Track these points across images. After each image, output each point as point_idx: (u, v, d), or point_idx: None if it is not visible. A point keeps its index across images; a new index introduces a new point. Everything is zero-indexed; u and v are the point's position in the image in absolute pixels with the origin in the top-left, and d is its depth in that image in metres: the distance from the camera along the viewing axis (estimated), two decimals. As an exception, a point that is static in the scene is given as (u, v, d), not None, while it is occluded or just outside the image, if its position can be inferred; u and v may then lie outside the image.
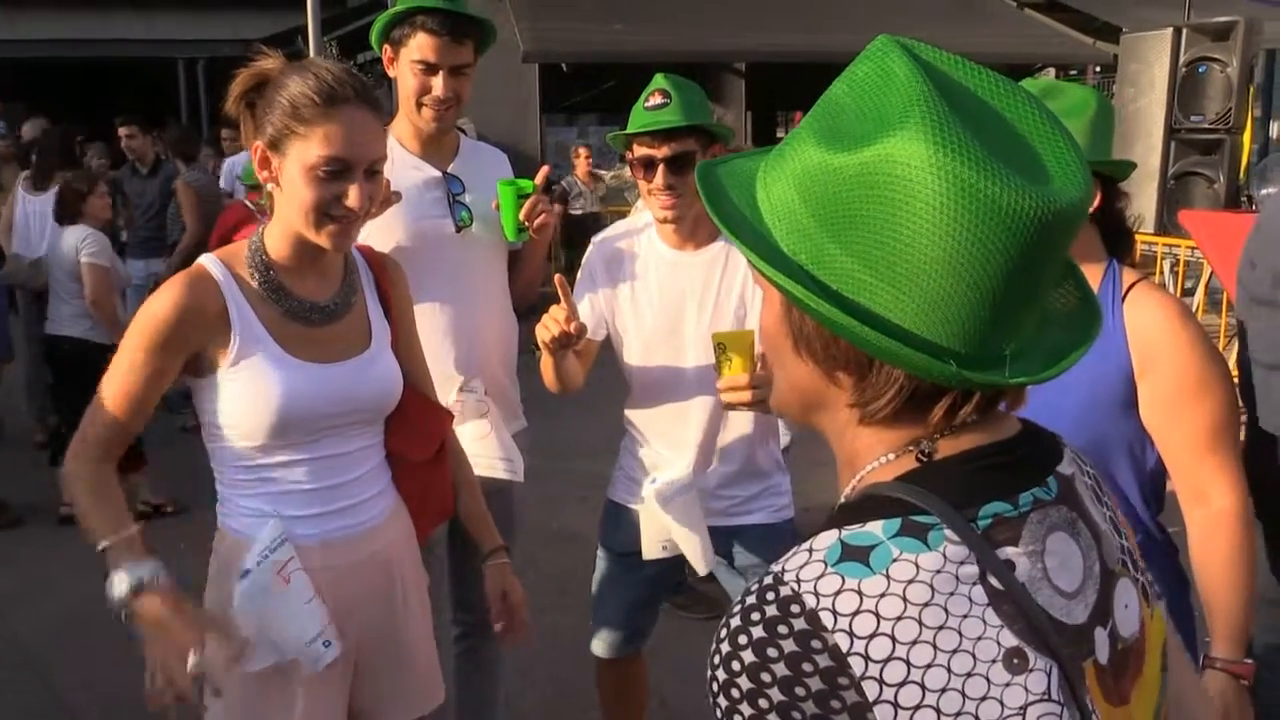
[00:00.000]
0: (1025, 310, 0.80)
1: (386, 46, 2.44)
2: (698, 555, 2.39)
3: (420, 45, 2.35)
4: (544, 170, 2.54)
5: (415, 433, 1.96)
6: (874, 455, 0.86)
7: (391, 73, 2.45)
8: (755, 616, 0.77)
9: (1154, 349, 1.77)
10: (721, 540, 2.43)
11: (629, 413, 2.54)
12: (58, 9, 16.12)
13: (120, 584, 1.62)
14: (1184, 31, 6.86)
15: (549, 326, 2.18)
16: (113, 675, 3.65)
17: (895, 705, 0.73)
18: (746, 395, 2.06)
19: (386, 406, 1.89)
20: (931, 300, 0.76)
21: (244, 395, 1.72)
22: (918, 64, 0.79)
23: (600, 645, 2.65)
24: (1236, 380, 1.89)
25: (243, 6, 15.52)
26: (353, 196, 1.67)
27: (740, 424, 2.40)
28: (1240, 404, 1.84)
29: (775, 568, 0.80)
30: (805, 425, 0.93)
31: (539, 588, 4.12)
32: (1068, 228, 0.77)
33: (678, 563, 2.57)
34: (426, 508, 2.01)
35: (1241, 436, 1.86)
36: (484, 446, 2.48)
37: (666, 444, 2.45)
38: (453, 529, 2.49)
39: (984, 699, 0.74)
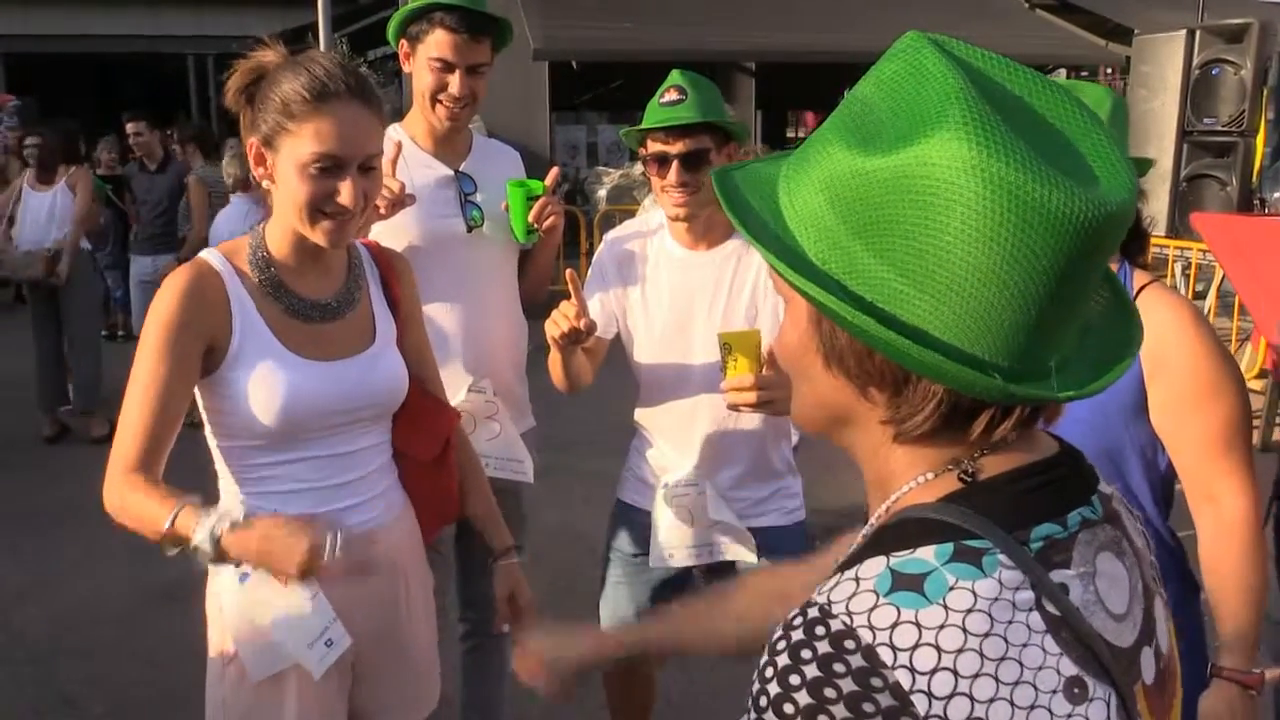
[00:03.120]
0: (1070, 319, 0.76)
1: (403, 42, 2.41)
2: (746, 552, 2.40)
3: (438, 43, 2.33)
4: (554, 171, 2.52)
5: (421, 431, 1.93)
6: (911, 475, 0.81)
7: (407, 68, 2.43)
8: (806, 654, 0.71)
9: (1165, 352, 1.75)
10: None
11: (638, 413, 2.52)
12: (68, 5, 16.17)
13: (202, 542, 1.52)
14: (1197, 33, 6.83)
15: (558, 322, 2.16)
16: (117, 670, 3.66)
17: None
18: (751, 396, 2.03)
19: (391, 405, 1.87)
20: (973, 310, 0.72)
21: (244, 393, 1.69)
22: (952, 60, 0.74)
23: (607, 646, 2.64)
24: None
25: (253, 2, 15.55)
26: (345, 194, 1.64)
27: (751, 425, 2.38)
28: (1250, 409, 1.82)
29: (819, 599, 0.74)
30: (832, 439, 0.88)
31: (544, 587, 4.08)
32: (1116, 230, 0.72)
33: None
34: (432, 508, 1.98)
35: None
36: (493, 447, 2.47)
37: (676, 444, 2.44)
38: (461, 527, 2.47)
39: None
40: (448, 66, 2.35)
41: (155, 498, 1.58)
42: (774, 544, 2.43)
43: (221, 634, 1.77)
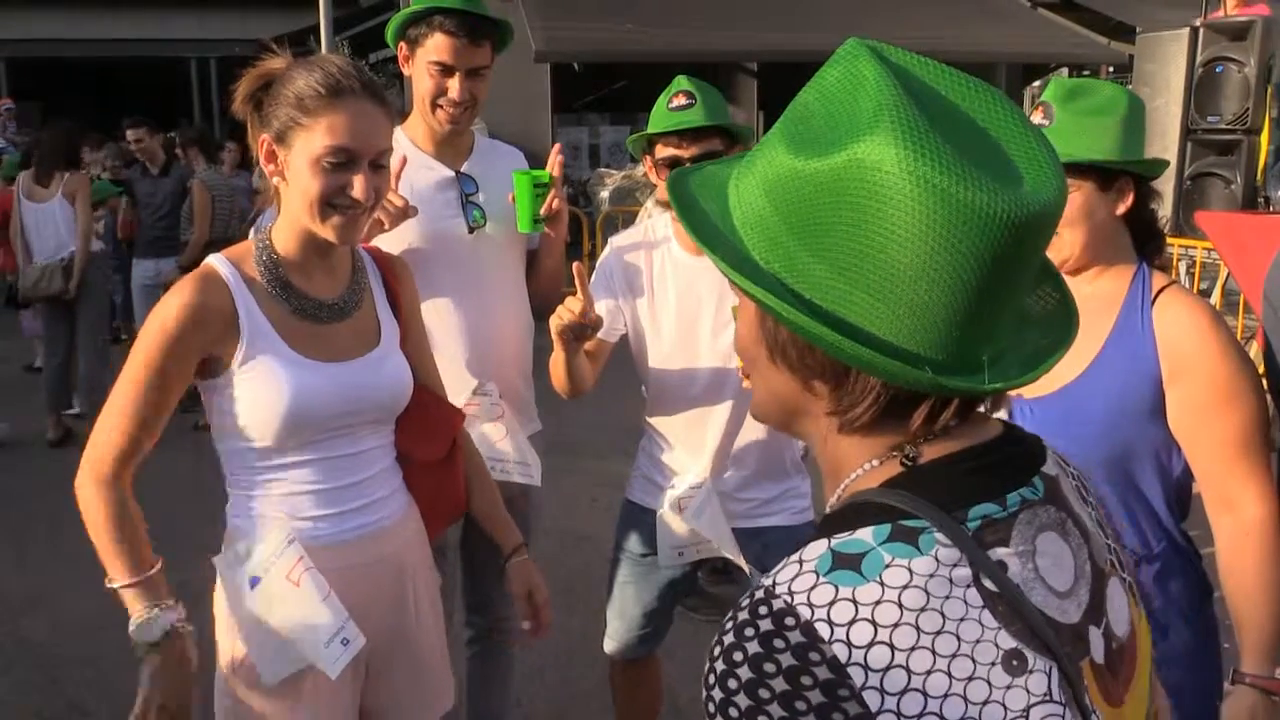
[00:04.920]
0: (1001, 315, 0.79)
1: (402, 44, 2.39)
2: (736, 555, 2.40)
3: (437, 46, 2.31)
4: (556, 147, 2.51)
5: (426, 432, 1.94)
6: (857, 463, 0.85)
7: (407, 71, 2.41)
8: (749, 632, 0.75)
9: (1184, 355, 1.73)
10: (741, 542, 2.42)
11: (648, 415, 2.52)
12: (70, 8, 16.19)
13: (150, 629, 1.67)
14: (1200, 31, 6.80)
15: (563, 316, 2.15)
16: (123, 677, 3.64)
17: (898, 714, 0.72)
18: None
19: (397, 406, 1.88)
20: (906, 307, 0.76)
21: (253, 395, 1.70)
22: (887, 67, 0.78)
23: (615, 646, 2.64)
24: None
25: (255, 6, 15.57)
26: (358, 187, 1.67)
27: (759, 427, 2.38)
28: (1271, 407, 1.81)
29: (766, 581, 0.78)
30: (787, 433, 0.92)
31: (550, 589, 4.09)
32: (1042, 230, 0.76)
33: (693, 564, 2.55)
34: (438, 508, 2.00)
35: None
36: (499, 451, 2.46)
37: (685, 447, 2.44)
38: (466, 531, 2.47)
39: (986, 702, 0.73)
40: (447, 70, 2.33)
41: (128, 545, 1.69)
42: (782, 544, 2.42)
43: (231, 638, 1.77)
